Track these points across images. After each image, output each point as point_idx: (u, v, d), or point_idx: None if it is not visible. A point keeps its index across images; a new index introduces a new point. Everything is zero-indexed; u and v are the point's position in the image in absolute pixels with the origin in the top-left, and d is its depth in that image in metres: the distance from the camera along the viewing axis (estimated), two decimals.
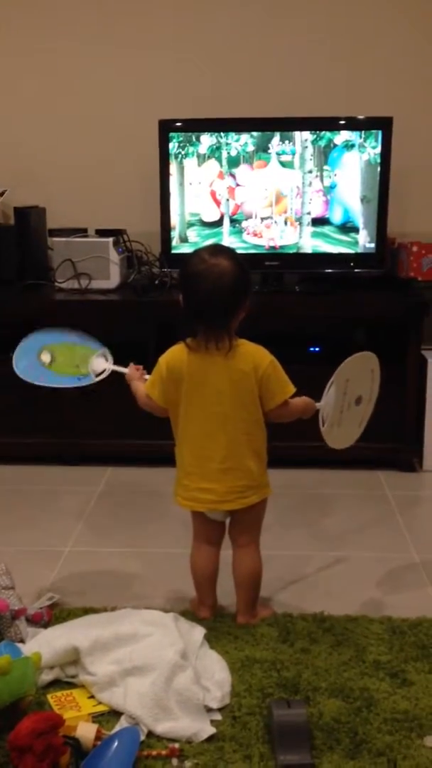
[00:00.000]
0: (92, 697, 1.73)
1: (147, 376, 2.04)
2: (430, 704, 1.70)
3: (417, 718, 1.66)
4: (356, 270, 3.13)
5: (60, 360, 2.30)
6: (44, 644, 1.81)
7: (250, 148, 3.06)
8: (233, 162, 3.08)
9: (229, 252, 1.90)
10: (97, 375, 2.28)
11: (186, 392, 1.92)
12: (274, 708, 1.61)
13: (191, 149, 3.07)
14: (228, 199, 3.11)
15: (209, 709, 1.68)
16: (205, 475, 1.93)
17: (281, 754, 1.54)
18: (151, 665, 1.72)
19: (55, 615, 2.03)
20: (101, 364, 2.29)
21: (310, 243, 3.13)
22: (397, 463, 3.09)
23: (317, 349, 3.17)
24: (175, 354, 1.93)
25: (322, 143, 3.03)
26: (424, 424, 3.07)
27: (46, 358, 2.29)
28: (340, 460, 3.07)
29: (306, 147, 3.04)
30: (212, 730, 1.62)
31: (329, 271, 3.15)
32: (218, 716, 1.67)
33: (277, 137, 3.04)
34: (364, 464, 3.07)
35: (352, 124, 3.03)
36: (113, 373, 2.25)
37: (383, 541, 2.53)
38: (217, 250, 1.89)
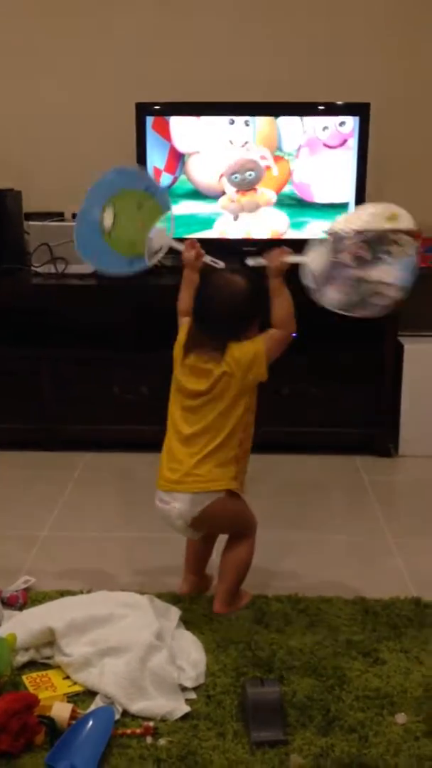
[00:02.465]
0: (67, 678, 1.74)
1: (207, 258, 2.00)
2: (401, 682, 1.73)
3: (388, 696, 1.68)
4: None
5: (122, 221, 2.03)
6: (20, 626, 1.82)
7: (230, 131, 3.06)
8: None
9: (247, 275, 1.92)
10: (152, 255, 2.03)
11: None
12: (248, 686, 1.62)
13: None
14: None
15: (184, 689, 1.70)
16: None
17: (254, 731, 1.56)
18: (126, 646, 1.73)
19: (30, 598, 2.04)
20: (160, 238, 2.02)
21: (287, 229, 3.13)
22: (374, 448, 3.12)
23: (295, 335, 3.17)
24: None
25: (302, 127, 3.04)
26: (400, 410, 3.10)
27: (108, 220, 2.04)
28: (317, 445, 3.11)
29: (286, 131, 3.04)
30: (186, 709, 1.64)
31: None
32: (193, 695, 1.69)
33: (260, 121, 3.05)
34: (341, 449, 3.10)
35: (330, 110, 3.04)
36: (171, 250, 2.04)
37: (358, 525, 2.55)
38: (239, 270, 1.94)
